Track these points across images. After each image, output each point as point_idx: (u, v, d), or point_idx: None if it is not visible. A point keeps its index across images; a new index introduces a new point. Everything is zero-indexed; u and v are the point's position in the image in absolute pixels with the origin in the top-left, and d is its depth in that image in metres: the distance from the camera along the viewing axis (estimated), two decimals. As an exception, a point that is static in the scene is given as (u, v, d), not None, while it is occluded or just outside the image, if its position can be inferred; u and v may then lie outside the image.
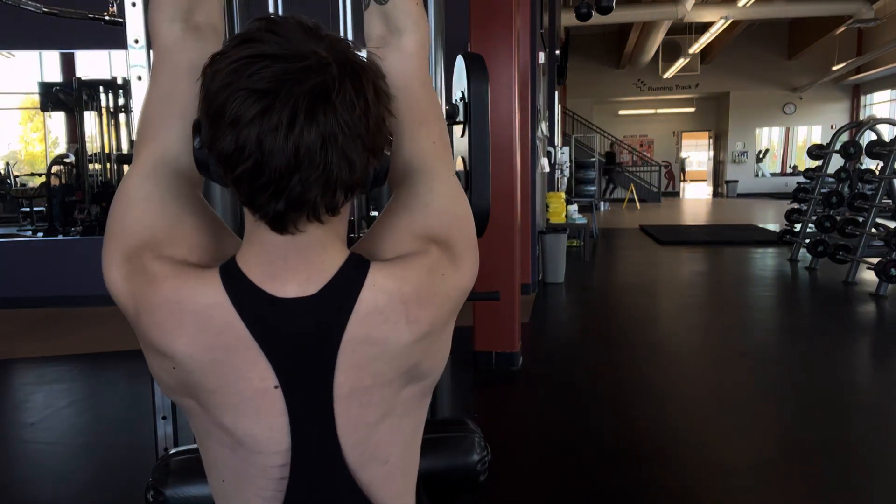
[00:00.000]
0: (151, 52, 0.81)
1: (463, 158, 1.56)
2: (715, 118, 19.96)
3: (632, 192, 16.30)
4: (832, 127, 15.98)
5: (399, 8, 0.82)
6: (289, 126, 0.61)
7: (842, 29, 13.36)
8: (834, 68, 15.34)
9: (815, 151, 7.74)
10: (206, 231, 0.75)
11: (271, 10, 1.55)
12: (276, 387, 0.70)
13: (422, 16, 0.85)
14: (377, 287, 0.70)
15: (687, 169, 22.05)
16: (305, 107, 0.61)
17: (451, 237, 0.77)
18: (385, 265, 0.72)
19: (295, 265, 0.70)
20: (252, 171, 0.62)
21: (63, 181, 7.25)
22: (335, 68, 0.63)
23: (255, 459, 0.72)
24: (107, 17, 2.43)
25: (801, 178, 7.99)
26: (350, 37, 1.58)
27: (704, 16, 12.92)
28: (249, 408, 0.70)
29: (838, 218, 6.56)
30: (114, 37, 1.85)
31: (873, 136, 7.13)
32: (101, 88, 6.90)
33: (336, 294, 0.70)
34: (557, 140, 10.09)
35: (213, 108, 0.63)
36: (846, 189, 6.95)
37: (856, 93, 17.49)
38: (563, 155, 9.36)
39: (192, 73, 0.72)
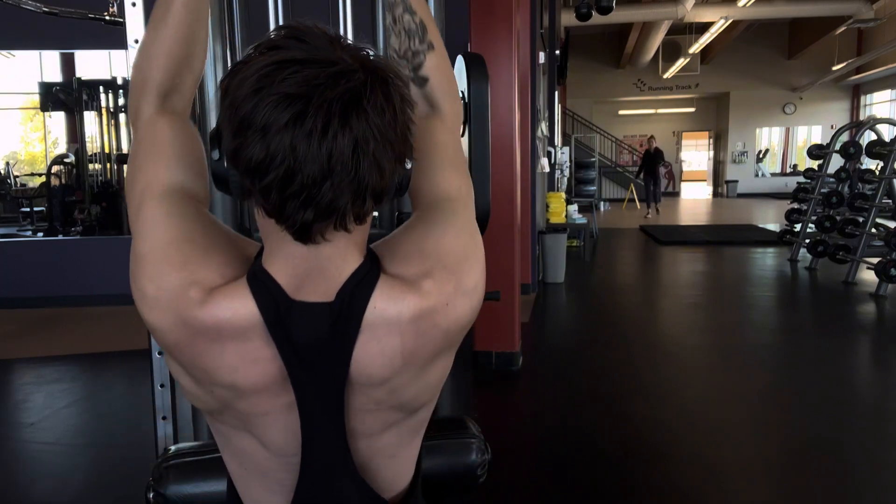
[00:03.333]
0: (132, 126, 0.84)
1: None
2: (715, 118, 19.96)
3: (631, 192, 16.30)
4: (832, 127, 15.97)
5: (436, 89, 0.90)
6: (322, 131, 0.60)
7: (842, 29, 13.36)
8: (834, 68, 15.34)
9: (815, 151, 7.74)
10: (228, 248, 0.75)
11: (271, 11, 1.55)
12: (295, 401, 0.73)
13: (455, 91, 0.93)
14: (377, 311, 0.70)
15: (685, 169, 22.00)
16: (339, 112, 0.61)
17: (461, 264, 0.77)
18: (389, 284, 0.72)
19: (315, 278, 0.70)
20: (283, 179, 0.62)
21: (63, 181, 7.25)
22: (363, 74, 0.63)
23: (278, 458, 0.77)
24: (107, 17, 2.43)
25: (801, 178, 8.00)
26: (350, 36, 1.58)
27: (704, 16, 12.92)
28: (278, 422, 0.74)
29: (838, 218, 6.56)
30: (114, 37, 1.85)
31: (873, 136, 7.13)
32: (101, 88, 6.91)
33: (346, 308, 0.70)
34: (557, 140, 10.09)
35: (241, 116, 0.62)
36: (846, 189, 6.95)
37: (856, 93, 17.48)
38: (563, 155, 9.35)
39: (171, 139, 0.79)
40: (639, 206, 15.06)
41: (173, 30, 0.82)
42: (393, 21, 0.90)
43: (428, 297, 0.71)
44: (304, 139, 0.60)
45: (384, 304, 0.70)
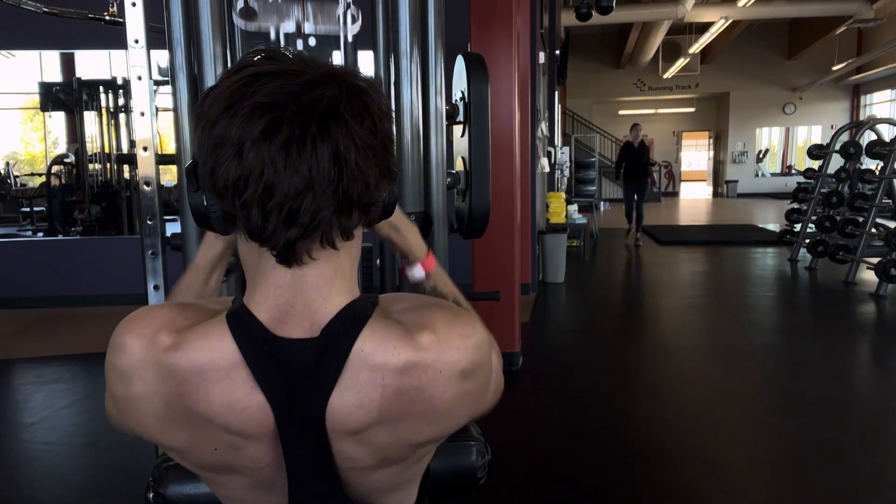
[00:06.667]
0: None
1: (463, 158, 1.56)
2: (715, 118, 19.97)
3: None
4: (832, 127, 15.98)
5: None
6: (300, 141, 0.58)
7: (842, 29, 13.37)
8: (834, 68, 15.35)
9: (815, 151, 7.74)
10: (192, 301, 0.78)
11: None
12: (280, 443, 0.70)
13: (494, 355, 0.84)
14: (364, 355, 0.65)
15: (681, 169, 21.96)
16: (316, 119, 0.58)
17: (463, 347, 0.70)
18: (383, 326, 0.67)
19: (299, 312, 0.67)
20: (262, 194, 0.59)
21: (63, 181, 7.26)
22: (336, 85, 0.61)
23: (275, 494, 0.74)
24: (107, 17, 2.43)
25: (801, 178, 8.00)
26: (350, 36, 1.58)
27: (704, 16, 12.93)
28: (277, 464, 0.71)
29: (838, 218, 6.56)
30: (114, 37, 1.85)
31: (873, 136, 7.13)
32: (101, 88, 6.91)
33: (331, 347, 0.66)
34: (557, 140, 10.09)
35: (214, 135, 0.60)
36: (846, 189, 6.95)
37: (856, 93, 17.49)
38: (563, 155, 9.35)
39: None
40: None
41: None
42: None
43: (421, 352, 0.66)
44: (280, 150, 0.57)
45: (372, 348, 0.65)
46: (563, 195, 7.37)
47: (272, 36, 1.49)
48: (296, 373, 0.66)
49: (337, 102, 0.60)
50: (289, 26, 1.34)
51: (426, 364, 0.66)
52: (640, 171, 8.74)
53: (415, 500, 0.83)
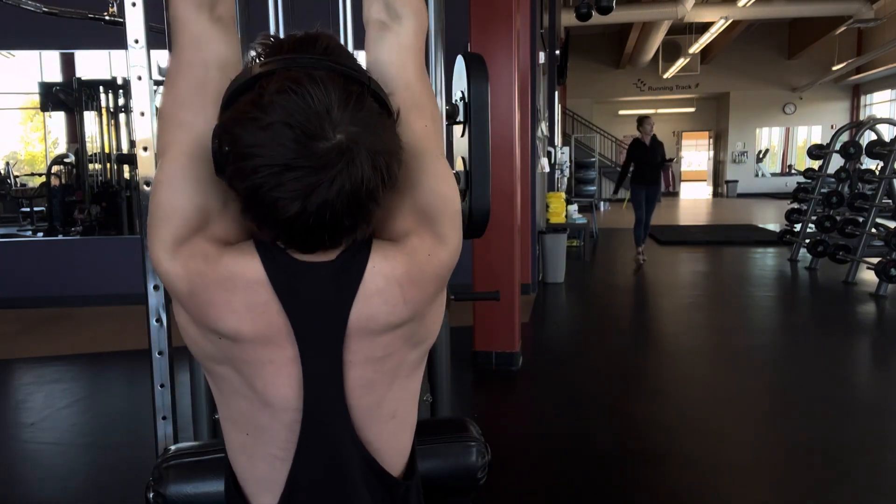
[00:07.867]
0: (171, 40, 0.82)
1: (463, 158, 1.56)
2: (715, 118, 19.97)
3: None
4: (832, 127, 15.98)
5: None
6: (319, 208, 0.69)
7: (842, 29, 13.37)
8: (834, 68, 15.35)
9: (815, 151, 7.74)
10: (238, 212, 0.79)
11: (271, 11, 1.55)
12: (298, 354, 0.77)
13: (421, 4, 0.88)
14: (376, 270, 0.77)
15: (681, 169, 21.95)
16: (333, 194, 0.69)
17: (438, 215, 0.82)
18: (382, 247, 0.79)
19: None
20: (283, 231, 0.72)
21: (63, 181, 7.25)
22: (355, 153, 0.69)
23: (280, 416, 0.79)
24: (107, 17, 2.44)
25: (801, 178, 8.00)
26: (350, 36, 1.58)
27: (704, 16, 12.93)
28: (281, 374, 0.77)
29: (838, 218, 6.56)
30: (114, 37, 1.86)
31: (873, 136, 7.13)
32: (101, 88, 6.90)
33: (347, 267, 0.77)
34: (557, 140, 10.09)
35: (250, 192, 0.70)
36: (846, 189, 6.95)
37: (856, 93, 17.49)
38: (563, 155, 9.35)
39: (221, 66, 0.79)
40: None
41: None
42: None
43: (414, 253, 0.79)
44: (301, 216, 0.69)
45: (381, 263, 0.77)
46: (563, 195, 7.37)
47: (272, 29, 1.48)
48: (316, 284, 0.76)
49: (353, 179, 0.70)
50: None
51: (419, 260, 0.79)
52: (653, 172, 7.09)
53: (408, 455, 0.87)
